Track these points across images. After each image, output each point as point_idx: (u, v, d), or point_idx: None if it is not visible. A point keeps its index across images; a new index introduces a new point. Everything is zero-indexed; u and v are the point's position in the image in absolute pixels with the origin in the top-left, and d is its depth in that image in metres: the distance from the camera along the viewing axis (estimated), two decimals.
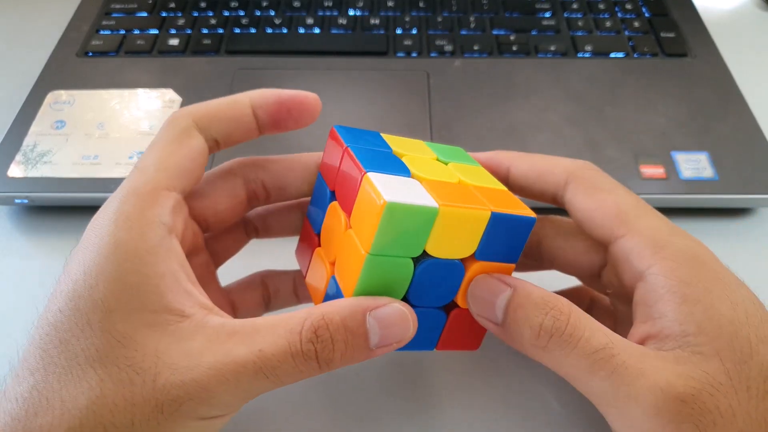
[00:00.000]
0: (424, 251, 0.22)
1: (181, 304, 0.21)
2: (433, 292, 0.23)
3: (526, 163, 0.27)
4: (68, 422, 0.18)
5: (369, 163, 0.23)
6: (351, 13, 0.50)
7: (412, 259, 0.22)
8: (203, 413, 0.20)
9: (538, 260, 0.28)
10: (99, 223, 0.21)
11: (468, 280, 0.23)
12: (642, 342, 0.21)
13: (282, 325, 0.20)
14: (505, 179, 0.27)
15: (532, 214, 0.23)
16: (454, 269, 0.23)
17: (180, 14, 0.50)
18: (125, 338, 0.19)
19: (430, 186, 0.23)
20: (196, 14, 0.50)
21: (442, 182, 0.23)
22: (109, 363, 0.19)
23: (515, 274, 0.24)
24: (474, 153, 0.28)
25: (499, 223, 0.22)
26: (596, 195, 0.24)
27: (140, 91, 0.44)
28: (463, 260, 0.23)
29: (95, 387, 0.19)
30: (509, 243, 0.23)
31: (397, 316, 0.21)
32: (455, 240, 0.22)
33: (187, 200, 0.25)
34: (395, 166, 0.23)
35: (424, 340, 0.24)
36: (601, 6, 0.51)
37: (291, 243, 0.29)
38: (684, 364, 0.20)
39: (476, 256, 0.23)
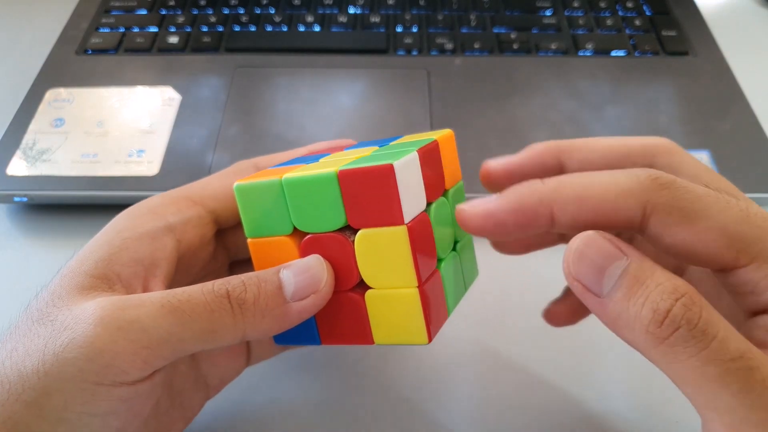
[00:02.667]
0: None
1: (118, 277, 0.21)
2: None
3: (573, 195, 0.19)
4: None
5: (286, 164, 0.25)
6: (351, 11, 0.50)
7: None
8: (107, 374, 0.19)
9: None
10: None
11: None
12: None
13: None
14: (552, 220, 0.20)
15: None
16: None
17: (179, 12, 0.50)
18: (60, 298, 0.21)
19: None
20: (195, 12, 0.50)
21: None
22: (44, 318, 0.20)
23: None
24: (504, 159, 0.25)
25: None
26: (692, 226, 0.18)
27: (140, 88, 0.43)
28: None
29: (30, 340, 0.20)
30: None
31: (310, 262, 0.22)
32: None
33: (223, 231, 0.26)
34: (306, 161, 0.24)
35: (305, 332, 0.23)
36: (602, 4, 0.51)
37: None
38: None
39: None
